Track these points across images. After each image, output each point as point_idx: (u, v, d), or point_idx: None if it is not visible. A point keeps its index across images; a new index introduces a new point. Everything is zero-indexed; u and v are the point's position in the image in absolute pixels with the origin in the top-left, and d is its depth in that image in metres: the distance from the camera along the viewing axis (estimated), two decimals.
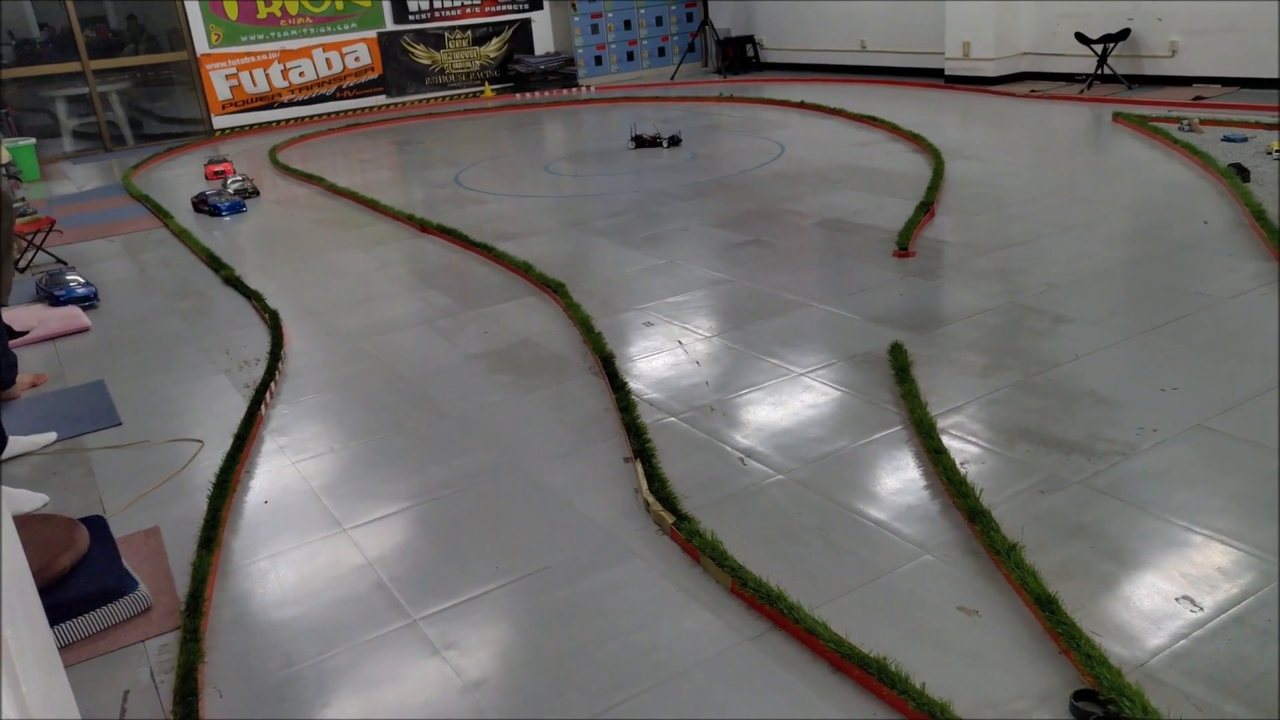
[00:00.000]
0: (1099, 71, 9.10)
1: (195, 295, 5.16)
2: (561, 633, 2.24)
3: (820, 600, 2.23)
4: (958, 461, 2.75)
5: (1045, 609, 2.07)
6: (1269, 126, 6.73)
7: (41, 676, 1.34)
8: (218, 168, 8.57)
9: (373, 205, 6.86)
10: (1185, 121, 6.99)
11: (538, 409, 3.42)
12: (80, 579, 2.41)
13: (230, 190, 7.39)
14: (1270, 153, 6.04)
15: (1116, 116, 7.62)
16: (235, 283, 5.19)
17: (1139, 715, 1.76)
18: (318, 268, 5.53)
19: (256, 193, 7.54)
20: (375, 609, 2.38)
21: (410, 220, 6.27)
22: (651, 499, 2.66)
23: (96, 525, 2.65)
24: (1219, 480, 2.61)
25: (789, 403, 3.29)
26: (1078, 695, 1.87)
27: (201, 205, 7.25)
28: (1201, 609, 2.12)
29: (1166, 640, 2.03)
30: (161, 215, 7.06)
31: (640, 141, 8.23)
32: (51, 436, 3.47)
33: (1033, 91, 9.33)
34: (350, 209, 6.98)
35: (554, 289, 4.54)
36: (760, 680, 2.03)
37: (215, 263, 5.60)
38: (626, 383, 3.44)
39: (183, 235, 6.37)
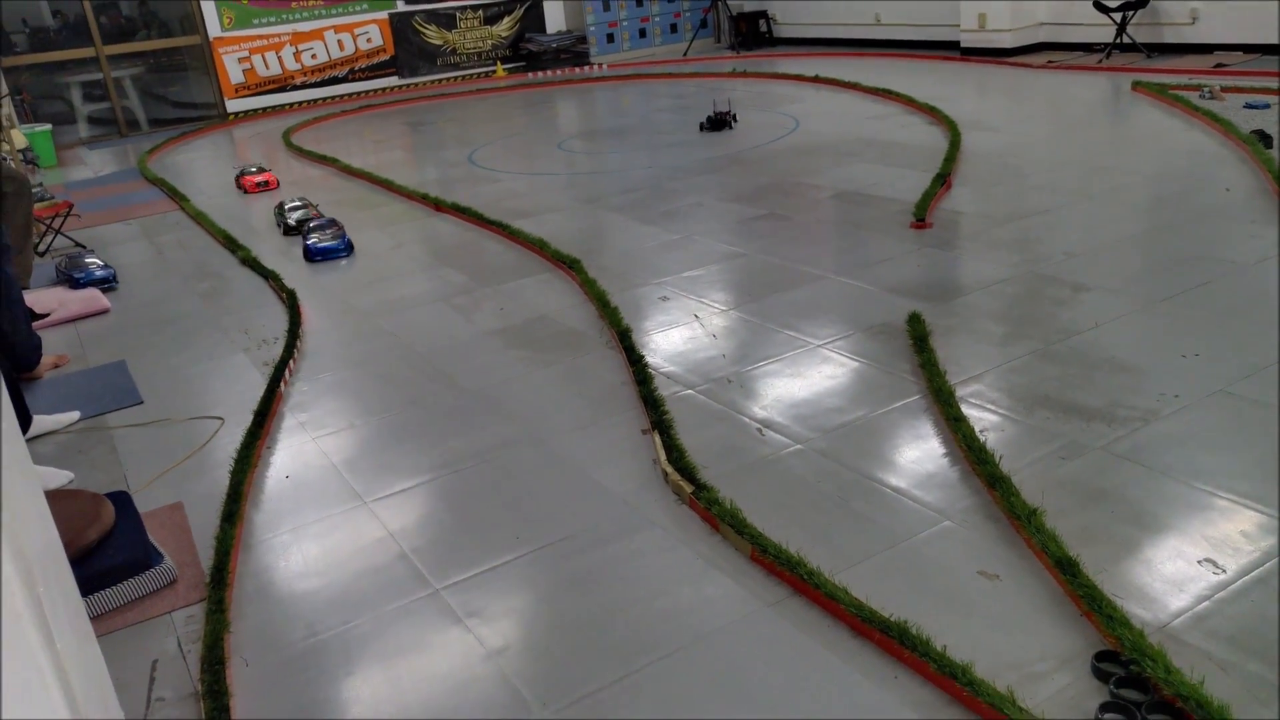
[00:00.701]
0: (1118, 40, 8.98)
1: (213, 276, 5.19)
2: (582, 600, 2.25)
3: (840, 566, 2.23)
4: (977, 429, 2.73)
5: (1066, 572, 2.07)
6: None
7: (75, 644, 1.36)
8: (258, 178, 7.08)
9: (387, 185, 6.86)
10: (1206, 89, 6.89)
11: (555, 383, 3.43)
12: (107, 552, 2.44)
13: (294, 221, 5.79)
14: None
15: (1136, 85, 7.52)
16: (252, 263, 5.21)
17: (1161, 675, 1.75)
18: None
19: (333, 223, 5.53)
20: (397, 579, 2.40)
21: (425, 199, 6.27)
22: (670, 469, 2.66)
23: (121, 500, 2.68)
24: (1242, 445, 2.60)
25: (807, 374, 3.28)
26: (1100, 656, 1.87)
27: (290, 235, 5.80)
28: (1224, 571, 2.11)
29: (1189, 602, 2.03)
30: (178, 198, 7.09)
31: (718, 120, 7.62)
32: (75, 415, 3.51)
33: (1050, 62, 9.22)
34: (365, 189, 6.99)
35: (569, 265, 4.53)
36: (781, 644, 2.04)
37: (232, 244, 5.62)
38: (643, 356, 3.44)
39: (199, 218, 6.40)
